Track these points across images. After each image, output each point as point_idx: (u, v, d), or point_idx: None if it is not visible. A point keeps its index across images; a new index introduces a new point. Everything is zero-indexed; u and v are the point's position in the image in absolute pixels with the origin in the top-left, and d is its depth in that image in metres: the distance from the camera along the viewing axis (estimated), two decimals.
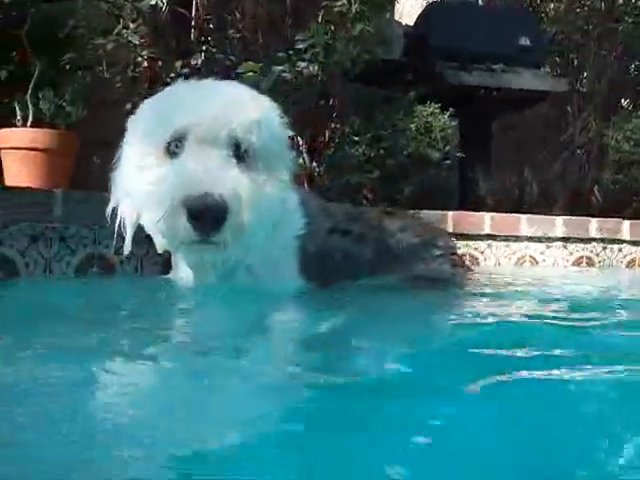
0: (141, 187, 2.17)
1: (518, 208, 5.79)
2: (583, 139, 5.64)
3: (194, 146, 2.11)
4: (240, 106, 2.22)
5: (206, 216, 1.97)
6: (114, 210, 2.36)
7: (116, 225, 2.34)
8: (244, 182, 2.09)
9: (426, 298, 2.63)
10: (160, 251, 2.39)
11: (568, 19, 5.75)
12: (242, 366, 1.57)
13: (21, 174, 4.03)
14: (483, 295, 2.69)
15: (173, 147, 2.14)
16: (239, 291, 2.38)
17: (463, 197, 5.00)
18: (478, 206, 4.84)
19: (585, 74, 5.79)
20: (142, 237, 2.35)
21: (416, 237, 2.93)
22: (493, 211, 4.92)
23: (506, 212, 4.22)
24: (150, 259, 2.77)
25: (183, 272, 2.45)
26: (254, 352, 1.70)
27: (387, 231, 2.87)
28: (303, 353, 1.73)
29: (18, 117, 4.13)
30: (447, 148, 4.28)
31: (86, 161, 4.61)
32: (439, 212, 3.88)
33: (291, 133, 2.51)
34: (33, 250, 2.61)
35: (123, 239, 2.36)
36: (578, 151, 5.79)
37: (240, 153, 2.16)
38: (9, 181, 4.07)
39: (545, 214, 5.40)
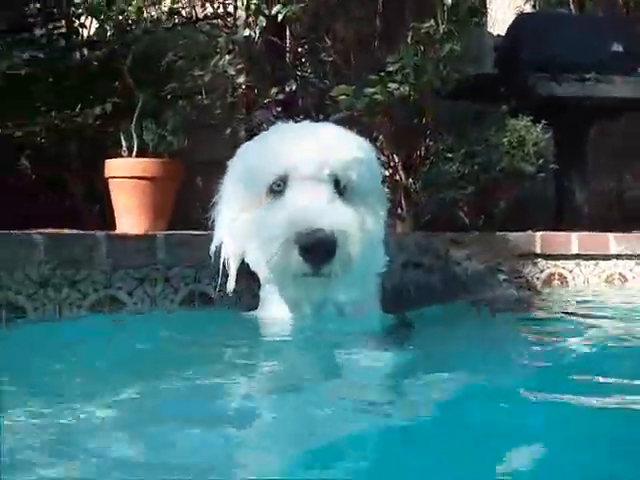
0: (247, 225, 2.28)
1: (617, 217, 5.73)
2: None
3: (298, 185, 2.23)
4: (338, 145, 2.34)
5: (317, 250, 2.07)
6: (217, 249, 2.48)
7: (220, 263, 2.45)
8: (350, 216, 2.20)
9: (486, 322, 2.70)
10: (265, 286, 2.48)
11: None
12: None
13: (129, 202, 4.21)
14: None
15: (276, 187, 2.24)
16: (332, 330, 2.44)
17: (560, 208, 4.97)
18: (575, 217, 4.83)
19: None
20: (241, 272, 2.45)
21: (482, 264, 3.01)
22: (590, 221, 4.92)
23: (602, 225, 4.21)
24: (249, 293, 2.84)
25: (277, 309, 2.54)
26: None
27: (454, 260, 2.95)
28: None
29: (124, 147, 4.32)
30: (541, 161, 4.27)
31: (190, 182, 4.78)
32: (527, 233, 3.90)
33: (384, 168, 2.58)
34: (140, 290, 2.71)
35: (226, 276, 2.47)
36: None
37: (340, 190, 2.28)
38: (117, 209, 4.26)
39: None
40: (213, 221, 2.53)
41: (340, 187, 2.28)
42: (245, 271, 2.45)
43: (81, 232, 3.07)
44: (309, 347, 2.33)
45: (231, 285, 2.50)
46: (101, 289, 2.61)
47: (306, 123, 2.55)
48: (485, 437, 1.43)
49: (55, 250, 2.58)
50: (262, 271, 2.34)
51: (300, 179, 2.23)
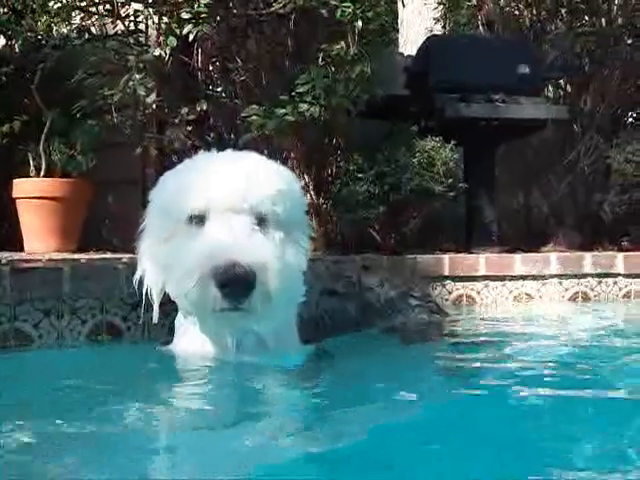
0: (166, 258, 2.25)
1: (525, 233, 5.86)
2: (588, 161, 5.70)
3: (217, 217, 2.19)
4: (259, 177, 2.29)
5: (235, 285, 2.03)
6: (140, 278, 2.44)
7: (143, 294, 2.41)
8: (269, 250, 2.17)
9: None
10: (184, 318, 2.46)
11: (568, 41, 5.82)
12: None
13: (37, 223, 4.16)
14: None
15: (196, 219, 2.22)
16: (252, 364, 2.42)
17: (470, 226, 5.06)
18: (485, 234, 4.92)
19: (586, 96, 5.85)
20: (149, 304, 2.43)
21: (394, 289, 3.05)
22: (500, 236, 5.02)
23: (512, 241, 4.30)
24: (157, 325, 2.80)
25: (194, 341, 2.49)
26: None
27: (366, 287, 2.98)
28: None
29: (32, 167, 4.26)
30: (450, 180, 4.34)
31: (100, 202, 4.73)
32: (435, 256, 3.97)
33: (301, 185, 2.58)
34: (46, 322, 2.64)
35: (147, 306, 2.44)
36: (586, 169, 5.85)
37: (262, 221, 2.25)
38: (25, 230, 4.20)
39: (553, 236, 5.48)
40: (138, 250, 2.48)
41: (262, 218, 2.25)
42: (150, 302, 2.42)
43: None
44: (229, 382, 2.30)
45: (155, 316, 2.46)
46: (5, 322, 2.53)
47: (228, 153, 2.49)
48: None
49: None
50: (182, 303, 2.31)
51: (220, 211, 2.19)
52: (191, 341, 2.50)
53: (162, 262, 2.30)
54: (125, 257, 3.20)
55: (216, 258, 2.03)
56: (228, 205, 2.20)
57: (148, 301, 2.42)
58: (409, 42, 7.90)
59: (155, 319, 2.47)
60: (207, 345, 2.47)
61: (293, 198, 2.41)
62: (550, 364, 2.46)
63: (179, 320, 2.57)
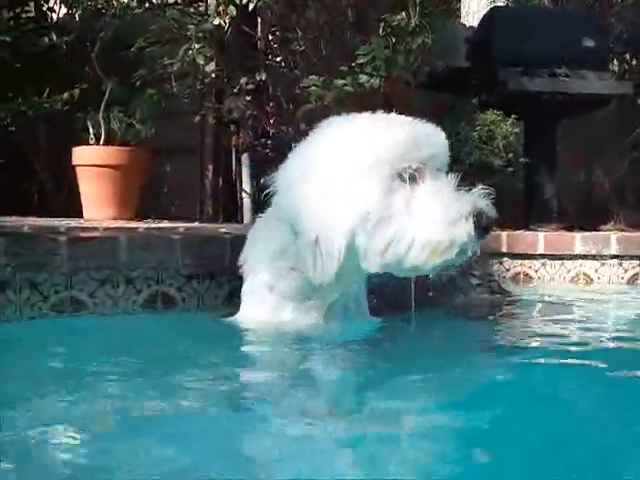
0: (399, 210, 2.17)
1: (586, 209, 5.77)
2: None
3: (433, 174, 2.19)
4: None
5: (486, 230, 2.13)
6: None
7: (317, 254, 2.28)
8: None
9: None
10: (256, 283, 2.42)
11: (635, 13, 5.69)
12: None
13: (95, 191, 4.19)
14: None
15: (410, 178, 2.16)
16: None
17: (529, 202, 4.99)
18: (544, 211, 4.84)
19: None
20: (202, 274, 2.40)
21: (455, 268, 2.99)
22: (560, 213, 4.94)
23: (571, 219, 4.23)
24: (211, 294, 2.78)
25: (270, 310, 2.47)
26: None
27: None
28: None
29: (91, 135, 4.28)
30: (510, 155, 4.28)
31: (158, 170, 4.76)
32: (493, 233, 3.89)
33: None
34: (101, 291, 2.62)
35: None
36: None
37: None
38: (84, 197, 4.24)
39: (613, 214, 5.38)
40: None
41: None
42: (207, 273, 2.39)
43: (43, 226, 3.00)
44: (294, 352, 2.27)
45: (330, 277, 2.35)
46: (62, 290, 2.53)
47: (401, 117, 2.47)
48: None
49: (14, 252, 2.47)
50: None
51: (433, 169, 2.20)
52: (263, 309, 2.47)
53: (390, 215, 2.17)
54: (181, 226, 3.21)
55: (474, 205, 2.11)
56: (441, 161, 2.24)
57: (203, 272, 2.39)
58: (471, 13, 7.79)
59: (328, 280, 2.26)
60: (284, 313, 2.43)
61: None
62: (605, 344, 2.42)
63: (250, 289, 2.49)
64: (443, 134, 2.28)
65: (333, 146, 2.28)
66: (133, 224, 3.58)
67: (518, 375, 2.06)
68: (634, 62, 6.07)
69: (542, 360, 2.22)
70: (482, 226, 2.09)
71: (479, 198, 2.14)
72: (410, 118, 2.33)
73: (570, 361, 2.21)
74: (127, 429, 1.51)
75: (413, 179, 2.16)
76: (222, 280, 2.63)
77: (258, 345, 2.36)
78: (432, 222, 2.13)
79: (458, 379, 1.94)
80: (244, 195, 4.87)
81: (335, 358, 2.18)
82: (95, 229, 2.91)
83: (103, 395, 1.72)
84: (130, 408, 1.64)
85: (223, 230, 2.98)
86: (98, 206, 4.20)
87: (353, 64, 3.91)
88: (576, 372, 2.06)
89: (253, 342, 2.40)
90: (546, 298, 3.49)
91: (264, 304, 2.45)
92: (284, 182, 2.30)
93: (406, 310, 2.67)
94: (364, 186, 2.17)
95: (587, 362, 2.18)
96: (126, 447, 1.39)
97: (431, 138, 2.24)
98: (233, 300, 2.63)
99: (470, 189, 2.18)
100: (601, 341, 2.52)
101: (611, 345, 2.48)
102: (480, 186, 2.20)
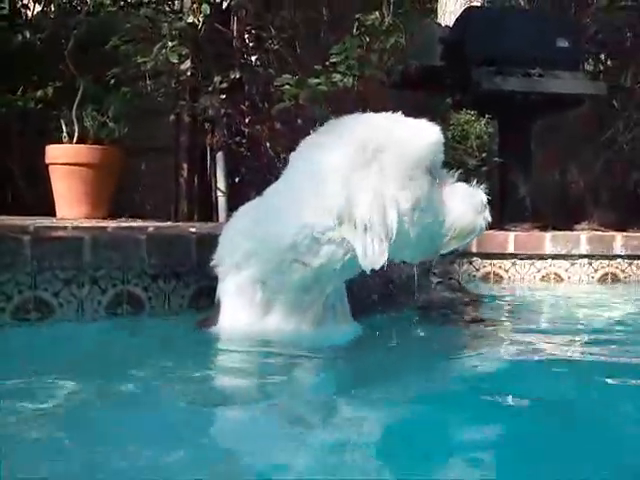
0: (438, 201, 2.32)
1: (560, 209, 5.79)
2: (626, 138, 5.61)
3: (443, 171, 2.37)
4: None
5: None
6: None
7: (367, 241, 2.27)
8: None
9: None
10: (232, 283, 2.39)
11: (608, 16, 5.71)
12: None
13: (69, 189, 4.17)
14: None
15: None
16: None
17: (503, 201, 5.00)
18: (519, 211, 4.86)
19: (627, 72, 5.74)
20: (168, 273, 2.38)
21: (415, 266, 3.00)
22: (535, 212, 4.95)
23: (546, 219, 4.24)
24: (177, 294, 2.75)
25: (274, 318, 2.44)
26: None
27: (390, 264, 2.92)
28: None
29: (64, 133, 4.26)
30: (484, 155, 4.29)
31: (132, 169, 4.75)
32: None
33: None
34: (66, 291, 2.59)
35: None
36: (625, 147, 5.76)
37: None
38: (57, 195, 4.22)
39: (588, 214, 5.41)
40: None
41: None
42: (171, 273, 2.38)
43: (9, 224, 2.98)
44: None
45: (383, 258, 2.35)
46: (26, 290, 2.50)
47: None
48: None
49: None
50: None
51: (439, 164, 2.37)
52: (249, 313, 2.43)
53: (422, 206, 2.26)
54: (152, 225, 3.19)
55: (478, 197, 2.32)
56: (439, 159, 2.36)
57: (169, 271, 2.38)
58: (448, 13, 7.80)
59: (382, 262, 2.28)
60: (271, 318, 2.40)
61: None
62: (574, 344, 2.43)
63: (233, 288, 2.40)
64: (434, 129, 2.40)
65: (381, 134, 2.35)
66: (104, 223, 3.56)
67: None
68: (609, 62, 6.10)
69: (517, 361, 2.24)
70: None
71: (482, 192, 2.34)
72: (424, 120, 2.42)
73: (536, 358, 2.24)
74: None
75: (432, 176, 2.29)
76: (189, 280, 2.61)
77: (245, 358, 2.29)
78: (464, 210, 2.32)
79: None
80: (219, 194, 4.86)
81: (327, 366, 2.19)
82: (63, 228, 2.89)
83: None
84: None
85: (192, 229, 2.96)
86: (71, 205, 4.18)
87: (327, 63, 3.91)
88: (544, 370, 2.08)
89: (242, 357, 2.30)
90: (508, 297, 3.51)
91: (252, 304, 2.40)
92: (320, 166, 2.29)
93: (372, 310, 2.67)
94: (415, 178, 2.24)
95: (552, 358, 2.21)
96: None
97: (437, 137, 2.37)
98: (200, 300, 2.63)
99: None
100: (570, 339, 2.54)
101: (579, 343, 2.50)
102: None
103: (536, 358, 2.29)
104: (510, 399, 1.79)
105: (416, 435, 1.54)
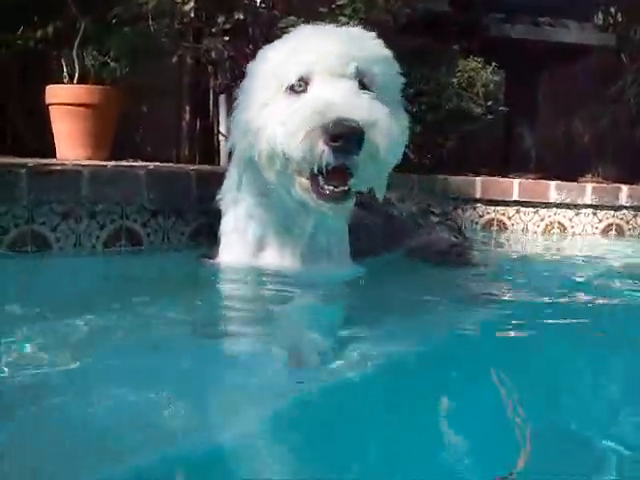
0: (270, 119, 2.15)
1: (565, 161, 5.73)
2: (634, 91, 5.54)
3: (323, 80, 2.13)
4: (363, 42, 2.25)
5: (345, 138, 1.95)
6: (231, 151, 2.36)
7: (232, 163, 2.33)
8: (378, 110, 2.08)
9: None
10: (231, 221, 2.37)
11: None
12: None
13: (69, 130, 4.12)
14: None
15: (297, 87, 2.15)
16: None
17: (507, 151, 4.96)
18: (523, 161, 4.82)
19: (637, 26, 5.66)
20: (169, 209, 2.36)
21: (415, 205, 2.97)
22: (539, 163, 4.91)
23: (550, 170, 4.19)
24: (176, 230, 2.74)
25: (248, 251, 2.43)
26: None
27: (388, 201, 2.89)
28: None
29: (65, 73, 4.20)
30: (489, 103, 4.23)
31: (134, 110, 4.69)
32: (466, 178, 3.88)
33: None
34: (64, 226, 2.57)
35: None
36: (631, 100, 5.69)
37: (366, 87, 2.18)
38: (58, 136, 4.17)
39: (592, 166, 5.36)
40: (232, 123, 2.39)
41: (365, 85, 2.17)
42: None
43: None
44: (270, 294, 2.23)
45: (239, 186, 2.37)
46: (23, 224, 2.47)
47: (330, 26, 2.39)
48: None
49: None
50: (263, 182, 2.25)
51: (325, 74, 2.12)
52: (245, 248, 2.43)
53: (259, 125, 2.18)
54: (151, 165, 3.15)
55: (325, 113, 1.97)
56: (332, 68, 2.13)
57: (168, 207, 2.35)
58: None
59: (238, 190, 2.38)
60: (267, 252, 2.40)
61: (392, 69, 2.35)
62: (567, 296, 2.41)
63: (230, 225, 2.48)
64: (335, 39, 2.20)
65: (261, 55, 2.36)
66: (104, 163, 3.52)
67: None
68: (618, 16, 6.01)
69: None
70: (332, 135, 1.95)
71: (344, 107, 2.00)
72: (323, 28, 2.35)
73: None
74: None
75: (303, 87, 2.15)
76: (188, 217, 2.58)
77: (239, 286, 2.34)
78: (274, 134, 2.10)
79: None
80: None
81: (310, 299, 2.17)
82: (62, 164, 2.86)
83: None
84: None
85: (191, 167, 2.93)
86: (71, 146, 4.13)
87: (333, 6, 3.85)
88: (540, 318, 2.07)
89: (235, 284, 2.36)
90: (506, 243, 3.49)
91: (246, 240, 2.42)
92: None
93: (377, 253, 2.65)
94: (253, 95, 2.23)
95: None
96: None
97: (315, 45, 2.18)
98: (198, 237, 2.61)
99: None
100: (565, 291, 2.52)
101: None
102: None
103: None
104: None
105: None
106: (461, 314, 2.17)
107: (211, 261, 2.49)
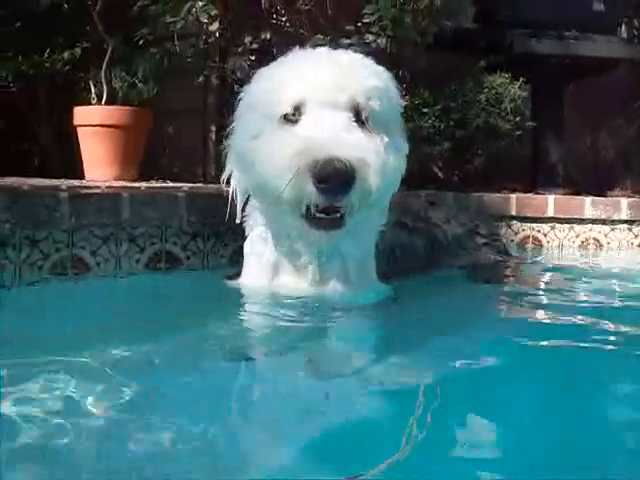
0: (255, 154, 2.11)
1: (592, 175, 5.71)
2: None
3: (315, 111, 2.07)
4: (359, 72, 2.17)
5: (334, 180, 1.89)
6: (227, 179, 2.36)
7: (230, 194, 2.33)
8: (370, 147, 2.03)
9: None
10: (257, 241, 2.37)
11: None
12: None
13: (98, 151, 4.13)
14: None
15: (291, 115, 2.10)
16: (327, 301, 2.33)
17: (536, 166, 4.94)
18: (550, 176, 4.80)
19: None
20: (209, 233, 2.36)
21: (460, 226, 2.95)
22: (567, 178, 4.89)
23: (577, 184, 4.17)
24: (216, 253, 2.74)
25: (267, 273, 2.41)
26: None
27: (433, 222, 2.87)
28: None
29: (93, 95, 4.22)
30: (517, 119, 4.22)
31: (160, 130, 4.70)
32: (502, 195, 3.87)
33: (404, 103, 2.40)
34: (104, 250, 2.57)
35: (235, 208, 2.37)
36: None
37: (361, 119, 2.12)
38: (86, 158, 4.18)
39: (620, 180, 5.34)
40: (226, 151, 2.39)
41: (361, 117, 2.11)
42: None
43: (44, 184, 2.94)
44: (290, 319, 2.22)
45: (238, 217, 2.38)
46: (64, 248, 2.47)
47: (325, 50, 2.34)
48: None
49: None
50: (266, 208, 2.24)
51: (317, 106, 2.06)
52: (262, 271, 2.41)
53: (250, 159, 2.14)
54: (185, 186, 3.15)
55: (314, 152, 1.90)
56: (325, 99, 2.07)
57: (208, 230, 2.35)
58: None
59: (237, 220, 2.39)
60: (282, 276, 2.39)
61: (390, 97, 2.26)
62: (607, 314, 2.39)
63: (249, 247, 2.46)
64: (331, 69, 2.14)
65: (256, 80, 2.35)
66: (135, 184, 3.53)
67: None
68: None
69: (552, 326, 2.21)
70: (319, 177, 1.88)
71: (334, 146, 1.92)
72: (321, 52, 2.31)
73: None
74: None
75: (294, 117, 2.10)
76: (228, 239, 2.57)
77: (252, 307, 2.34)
78: (264, 169, 2.05)
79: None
80: None
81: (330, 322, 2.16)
82: (97, 187, 2.86)
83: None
84: None
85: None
86: (100, 167, 4.14)
87: (359, 24, 3.85)
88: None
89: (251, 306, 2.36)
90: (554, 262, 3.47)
91: (261, 262, 2.41)
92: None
93: (414, 272, 2.63)
94: (246, 122, 2.20)
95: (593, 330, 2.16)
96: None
97: (310, 74, 2.13)
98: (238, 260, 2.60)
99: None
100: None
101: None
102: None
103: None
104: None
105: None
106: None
107: (232, 282, 2.48)
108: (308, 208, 2.00)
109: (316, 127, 2.02)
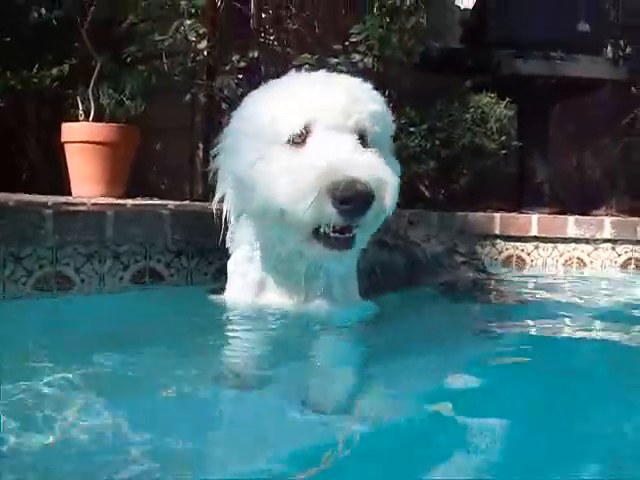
0: (266, 178, 2.10)
1: (578, 194, 5.74)
2: None
3: (323, 134, 2.09)
4: (364, 96, 2.20)
5: (356, 202, 1.93)
6: (219, 201, 2.37)
7: (222, 215, 2.34)
8: (383, 167, 2.07)
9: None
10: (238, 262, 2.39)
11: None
12: None
13: (85, 168, 4.14)
14: None
15: (297, 138, 2.11)
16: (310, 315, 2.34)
17: (521, 185, 4.97)
18: (536, 195, 4.82)
19: None
20: (193, 250, 2.36)
21: (440, 245, 2.97)
22: (552, 197, 4.92)
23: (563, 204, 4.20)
24: (200, 270, 2.74)
25: (252, 289, 2.42)
26: None
27: (412, 242, 2.90)
28: None
29: (80, 111, 4.23)
30: (503, 138, 4.25)
31: (148, 148, 4.71)
32: (486, 214, 3.89)
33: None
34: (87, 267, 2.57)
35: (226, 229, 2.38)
36: None
37: (366, 142, 2.15)
38: (73, 175, 4.18)
39: (605, 200, 5.37)
40: (214, 174, 2.39)
41: (365, 139, 2.14)
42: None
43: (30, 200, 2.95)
44: (278, 334, 2.23)
45: (228, 238, 2.40)
46: (47, 265, 2.47)
47: (322, 73, 2.36)
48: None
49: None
50: (262, 229, 2.26)
51: (324, 128, 2.08)
52: (246, 288, 2.43)
53: (253, 182, 2.14)
54: (171, 203, 3.16)
55: (333, 174, 1.93)
56: (332, 122, 2.09)
57: (191, 248, 2.36)
58: None
59: (228, 243, 2.41)
60: (267, 293, 2.40)
61: (386, 120, 2.32)
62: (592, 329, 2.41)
63: (233, 266, 2.48)
64: (337, 92, 2.15)
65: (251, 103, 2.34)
66: (121, 201, 3.54)
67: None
68: (628, 49, 6.04)
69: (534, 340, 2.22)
70: (342, 199, 1.91)
71: (352, 168, 1.96)
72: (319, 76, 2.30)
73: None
74: None
75: (300, 141, 2.10)
76: (212, 258, 2.58)
77: (239, 325, 2.34)
78: (274, 190, 2.05)
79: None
80: None
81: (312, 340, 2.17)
82: (82, 204, 2.86)
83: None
84: None
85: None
86: (87, 183, 4.15)
87: (347, 43, 3.88)
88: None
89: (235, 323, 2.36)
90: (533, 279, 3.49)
91: (246, 280, 2.43)
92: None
93: (396, 290, 2.65)
94: (245, 145, 2.19)
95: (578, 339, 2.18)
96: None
97: (317, 97, 2.14)
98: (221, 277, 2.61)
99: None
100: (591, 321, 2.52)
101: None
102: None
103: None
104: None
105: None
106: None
107: (216, 297, 2.50)
108: (318, 228, 2.02)
109: (326, 150, 2.04)
